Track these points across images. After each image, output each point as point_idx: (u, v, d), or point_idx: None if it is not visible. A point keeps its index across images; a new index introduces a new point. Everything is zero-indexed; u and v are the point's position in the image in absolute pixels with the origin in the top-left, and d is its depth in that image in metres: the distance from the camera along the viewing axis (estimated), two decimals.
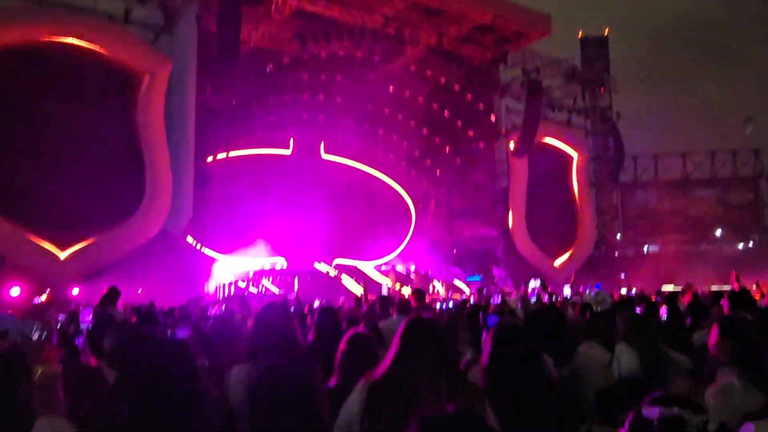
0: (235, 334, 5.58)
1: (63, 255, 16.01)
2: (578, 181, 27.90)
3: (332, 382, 3.21)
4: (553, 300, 7.16)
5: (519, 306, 6.34)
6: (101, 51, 17.30)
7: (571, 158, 27.87)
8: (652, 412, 1.48)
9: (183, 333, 4.24)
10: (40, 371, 2.25)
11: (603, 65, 32.14)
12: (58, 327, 4.47)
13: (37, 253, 15.57)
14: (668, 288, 17.08)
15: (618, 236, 32.83)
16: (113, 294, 6.41)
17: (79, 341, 4.05)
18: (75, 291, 14.63)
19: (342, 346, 3.25)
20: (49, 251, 15.81)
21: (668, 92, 65.70)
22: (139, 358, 2.96)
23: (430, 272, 24.52)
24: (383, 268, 26.14)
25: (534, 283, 6.06)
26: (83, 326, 4.41)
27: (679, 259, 27.60)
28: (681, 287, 12.54)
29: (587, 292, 8.07)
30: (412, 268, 23.87)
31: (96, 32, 17.30)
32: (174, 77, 18.51)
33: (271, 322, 3.29)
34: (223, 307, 7.52)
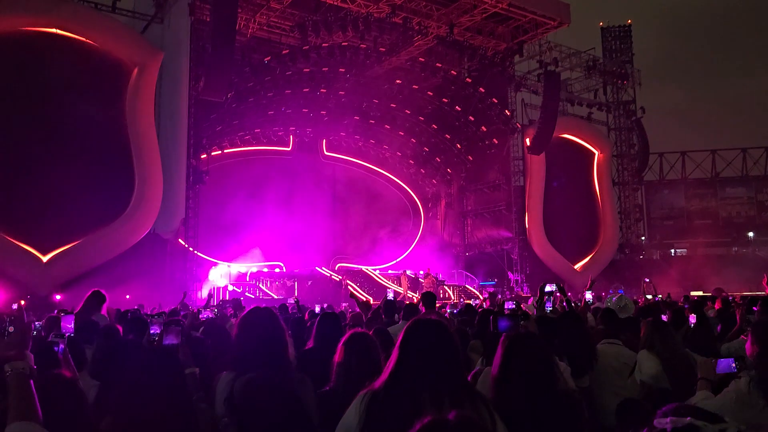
0: (228, 340, 5.56)
1: (45, 258, 16.01)
2: (599, 179, 27.77)
3: (328, 385, 3.17)
4: (572, 305, 7.10)
5: (534, 312, 6.28)
6: (87, 42, 17.32)
7: (592, 155, 27.76)
8: (663, 422, 1.46)
9: (171, 340, 4.21)
10: (9, 370, 2.20)
11: (626, 57, 32.07)
12: (34, 333, 4.42)
13: (17, 257, 15.55)
14: (697, 294, 16.98)
15: (643, 238, 32.68)
16: (97, 298, 6.35)
17: (60, 349, 4.02)
18: (57, 297, 14.64)
19: (339, 347, 3.19)
20: (31, 254, 15.78)
21: (696, 86, 65.60)
22: (124, 369, 2.94)
23: (439, 276, 24.47)
24: (390, 272, 26.10)
25: (549, 288, 5.97)
26: (65, 333, 4.37)
27: (708, 262, 27.44)
28: (710, 293, 12.46)
29: (609, 297, 7.99)
30: (421, 272, 23.79)
31: (81, 22, 17.31)
32: (165, 70, 18.56)
33: (255, 328, 3.25)
34: (215, 312, 7.49)
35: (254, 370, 2.72)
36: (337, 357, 3.17)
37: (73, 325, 4.89)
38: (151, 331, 5.33)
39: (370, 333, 3.60)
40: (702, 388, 3.38)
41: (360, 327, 5.64)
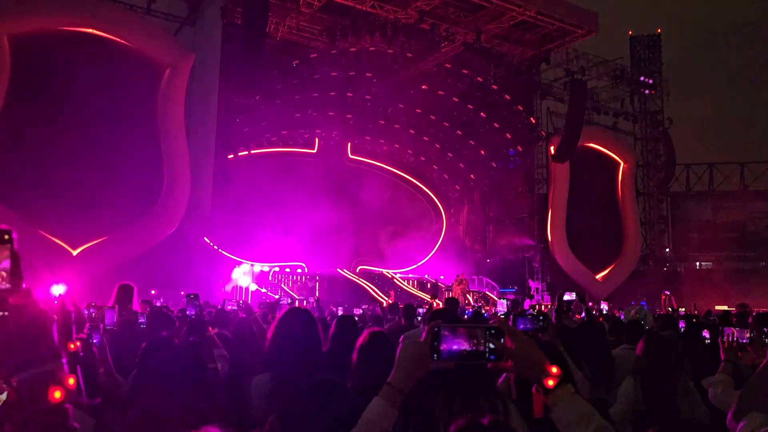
0: (254, 339, 5.70)
1: (75, 252, 16.36)
2: (623, 190, 27.53)
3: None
4: (592, 315, 7.12)
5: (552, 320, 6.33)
6: (121, 42, 17.67)
7: (617, 165, 27.54)
8: None
9: (194, 337, 4.37)
10: None
11: (654, 67, 31.71)
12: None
13: (48, 250, 15.83)
14: (722, 308, 16.77)
15: (667, 250, 32.28)
16: (126, 291, 6.43)
17: (96, 342, 4.20)
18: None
19: (359, 344, 3.15)
20: (61, 247, 16.13)
21: (726, 97, 64.58)
22: (150, 364, 3.08)
23: None
24: (410, 276, 26.15)
25: (568, 297, 5.94)
26: (108, 327, 4.56)
27: (734, 277, 27.01)
28: (734, 308, 12.31)
29: (627, 309, 7.97)
30: (442, 277, 23.82)
31: (116, 22, 17.68)
32: (196, 71, 18.85)
33: (293, 329, 3.33)
34: (240, 303, 7.63)
35: (289, 369, 2.81)
36: (356, 354, 3.17)
37: (115, 321, 5.07)
38: (188, 312, 5.50)
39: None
40: (723, 371, 3.44)
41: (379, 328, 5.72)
